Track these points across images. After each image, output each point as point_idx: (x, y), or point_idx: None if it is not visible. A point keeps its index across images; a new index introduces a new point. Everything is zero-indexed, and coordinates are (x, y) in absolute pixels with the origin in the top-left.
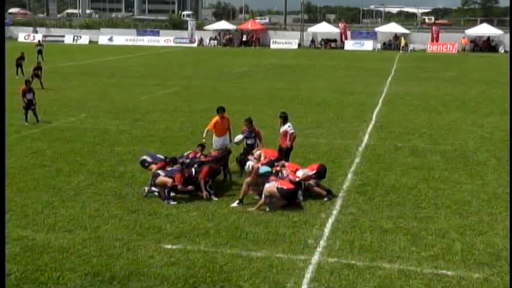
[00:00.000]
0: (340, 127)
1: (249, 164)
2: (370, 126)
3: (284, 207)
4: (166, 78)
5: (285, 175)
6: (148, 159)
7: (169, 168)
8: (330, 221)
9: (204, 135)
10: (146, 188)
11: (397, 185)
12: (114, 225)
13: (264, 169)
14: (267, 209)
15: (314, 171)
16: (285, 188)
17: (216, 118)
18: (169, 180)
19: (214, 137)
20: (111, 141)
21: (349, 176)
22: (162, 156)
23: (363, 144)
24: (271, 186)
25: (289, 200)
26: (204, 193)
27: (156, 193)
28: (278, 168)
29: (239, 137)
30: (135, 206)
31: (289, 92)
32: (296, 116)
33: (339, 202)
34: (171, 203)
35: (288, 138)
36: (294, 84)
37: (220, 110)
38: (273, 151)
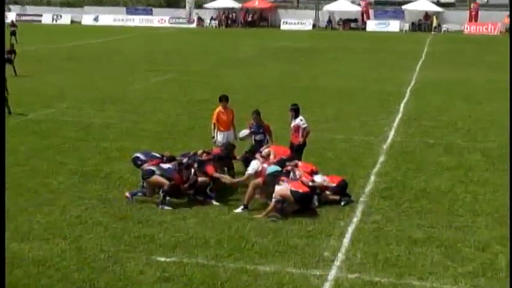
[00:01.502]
0: (361, 120)
1: (256, 163)
2: (397, 119)
3: (296, 214)
4: (161, 64)
5: (297, 176)
6: (142, 157)
7: (164, 166)
8: (350, 230)
9: (213, 134)
10: (128, 194)
11: (428, 188)
12: (98, 234)
13: (272, 168)
14: (277, 216)
15: (334, 185)
16: (300, 191)
17: (219, 109)
18: (165, 182)
19: (218, 131)
20: (96, 136)
21: (372, 177)
22: (158, 155)
23: (388, 140)
24: (283, 188)
25: (303, 205)
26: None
27: (141, 193)
28: (289, 168)
29: (245, 132)
30: (123, 211)
31: (303, 80)
32: (310, 107)
33: (360, 208)
34: (166, 208)
35: (300, 133)
36: (308, 70)
37: (223, 99)
38: (284, 148)
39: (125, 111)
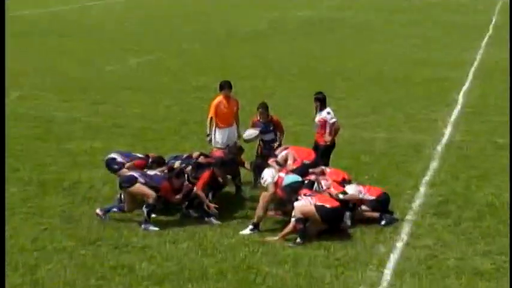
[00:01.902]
0: (408, 114)
1: (270, 172)
2: (455, 112)
3: (322, 236)
4: (144, 40)
5: (324, 187)
6: (120, 158)
7: (151, 172)
8: (393, 258)
9: (208, 130)
10: (99, 211)
11: (497, 202)
12: (61, 263)
13: (291, 178)
14: (298, 240)
15: (372, 198)
16: (327, 205)
17: (219, 99)
18: (151, 194)
19: (216, 128)
20: (59, 134)
21: (423, 189)
22: (141, 156)
23: (444, 140)
24: (305, 204)
25: (331, 224)
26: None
27: (117, 209)
28: (313, 177)
29: (252, 133)
30: (94, 233)
31: (330, 62)
32: (339, 97)
33: (406, 229)
34: (151, 228)
35: (327, 130)
36: (336, 49)
37: (226, 87)
38: (307, 150)
39: (96, 102)
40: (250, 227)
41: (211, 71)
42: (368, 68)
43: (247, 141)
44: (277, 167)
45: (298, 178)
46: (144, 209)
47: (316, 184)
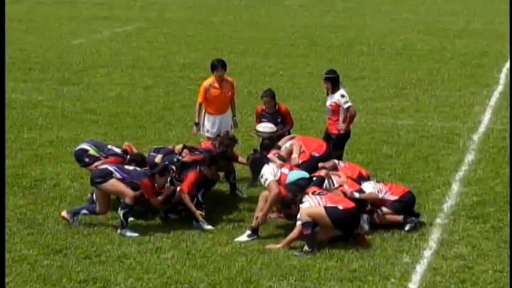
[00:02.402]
0: (438, 97)
1: (270, 169)
2: (496, 95)
3: (334, 244)
4: (120, 5)
5: (335, 184)
6: (92, 150)
7: (129, 167)
8: (420, 269)
9: (196, 117)
10: (65, 214)
11: None
12: (21, 276)
13: (295, 175)
14: (306, 248)
15: (395, 198)
16: (340, 207)
17: (210, 81)
18: (128, 192)
19: (205, 115)
20: (18, 122)
21: (456, 186)
22: (117, 150)
23: (482, 128)
24: (313, 205)
25: (345, 229)
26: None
27: (87, 211)
28: (324, 173)
29: (269, 127)
30: (60, 240)
31: (344, 33)
32: (357, 76)
33: (435, 235)
34: (128, 234)
35: (340, 117)
36: (352, 17)
37: (219, 67)
38: (317, 141)
39: (62, 83)
40: (248, 232)
41: (201, 45)
42: (391, 41)
43: (260, 135)
44: (278, 161)
45: (305, 174)
46: (120, 211)
47: (326, 181)
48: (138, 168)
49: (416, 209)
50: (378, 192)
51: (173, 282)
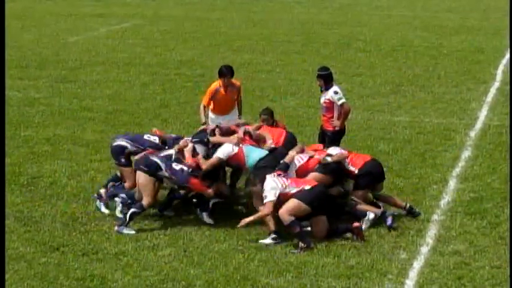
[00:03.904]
0: (435, 93)
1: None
2: (492, 91)
3: (330, 240)
4: (116, 3)
5: (305, 158)
6: (130, 146)
7: (177, 166)
8: (417, 266)
9: (203, 118)
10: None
11: None
12: (19, 273)
13: (254, 153)
14: (301, 244)
15: (357, 168)
16: (306, 187)
17: (216, 86)
18: (151, 198)
19: (210, 114)
20: (14, 119)
21: (453, 183)
22: (154, 140)
23: (478, 124)
24: (290, 203)
25: (321, 207)
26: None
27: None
28: (288, 159)
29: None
30: (58, 238)
31: (341, 30)
32: (354, 73)
33: (432, 231)
34: (125, 231)
35: (334, 113)
36: (348, 14)
37: (227, 74)
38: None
39: (58, 80)
40: (273, 235)
41: (197, 42)
42: (387, 38)
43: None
44: (234, 139)
45: (262, 151)
46: (131, 209)
47: (295, 160)
48: (185, 168)
49: (413, 205)
50: (342, 156)
51: (170, 279)
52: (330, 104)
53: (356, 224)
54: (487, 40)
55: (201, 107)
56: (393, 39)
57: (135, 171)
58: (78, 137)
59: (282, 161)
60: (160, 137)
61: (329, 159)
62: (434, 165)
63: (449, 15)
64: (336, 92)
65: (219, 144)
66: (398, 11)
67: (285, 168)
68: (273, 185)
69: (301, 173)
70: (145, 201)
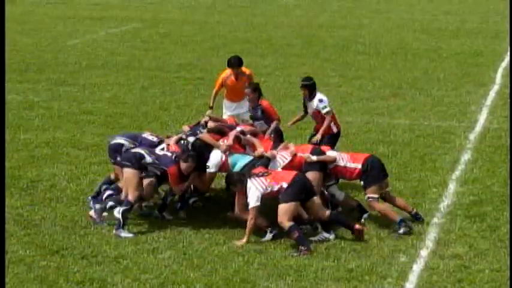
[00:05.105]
0: (434, 96)
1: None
2: (492, 94)
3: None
4: (115, 6)
5: (287, 157)
6: (127, 143)
7: (160, 152)
8: (417, 269)
9: (211, 102)
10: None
11: None
12: (18, 277)
13: (240, 162)
14: (301, 247)
15: (360, 164)
16: (284, 185)
17: (228, 73)
18: (136, 192)
19: (225, 101)
20: (14, 123)
21: (452, 186)
22: (151, 137)
23: (478, 127)
24: (284, 206)
25: (307, 196)
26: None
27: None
28: (269, 154)
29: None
30: (58, 241)
31: (340, 33)
32: (354, 76)
33: (432, 234)
34: (124, 235)
35: (325, 123)
36: (347, 17)
37: (234, 64)
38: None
39: (58, 83)
40: (270, 230)
41: (196, 45)
42: (386, 40)
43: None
44: (224, 145)
45: (246, 158)
46: (120, 209)
47: (278, 158)
48: (168, 154)
49: (413, 208)
50: (340, 159)
51: (170, 282)
52: (318, 113)
53: (358, 227)
54: (487, 43)
55: (213, 91)
56: (392, 42)
57: (121, 169)
58: (78, 140)
59: (264, 158)
60: (162, 140)
61: (314, 158)
62: (434, 168)
63: (449, 18)
64: (320, 100)
65: (206, 145)
66: (397, 14)
67: (266, 164)
68: (253, 190)
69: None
70: (131, 196)
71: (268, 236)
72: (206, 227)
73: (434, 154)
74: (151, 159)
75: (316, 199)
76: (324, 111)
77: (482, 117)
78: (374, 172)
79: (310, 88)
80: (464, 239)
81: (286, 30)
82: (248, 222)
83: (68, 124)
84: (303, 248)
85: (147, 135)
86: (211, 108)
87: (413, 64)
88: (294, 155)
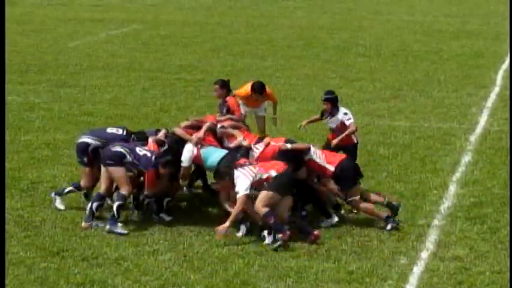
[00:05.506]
0: (434, 98)
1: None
2: (492, 96)
3: (331, 246)
4: (116, 7)
5: (262, 145)
6: (93, 141)
7: (141, 152)
8: (417, 271)
9: None
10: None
11: None
12: (18, 278)
13: (213, 156)
14: (278, 236)
15: (332, 169)
16: (273, 173)
17: (248, 92)
18: (128, 186)
19: (240, 103)
20: (14, 124)
21: (453, 188)
22: (117, 132)
23: (478, 129)
24: (262, 194)
25: (289, 191)
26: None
27: (71, 187)
28: (246, 143)
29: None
30: (58, 243)
31: (341, 34)
32: (354, 78)
33: (433, 236)
34: (118, 230)
35: (346, 133)
36: (348, 19)
37: (257, 91)
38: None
39: (58, 85)
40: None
41: (197, 46)
42: (387, 42)
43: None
44: (195, 138)
45: (221, 152)
46: (115, 203)
47: (253, 151)
48: (148, 154)
49: (413, 210)
50: (315, 154)
51: (170, 284)
52: (344, 126)
53: (316, 233)
54: (487, 45)
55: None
56: (393, 44)
57: (99, 168)
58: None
59: (241, 149)
60: (130, 133)
61: (289, 145)
62: (434, 170)
63: (449, 20)
64: (345, 113)
65: (181, 140)
66: (398, 16)
67: (246, 154)
68: (242, 178)
69: (261, 161)
70: (124, 191)
71: (265, 233)
72: (206, 229)
73: (435, 156)
74: (131, 159)
75: (288, 200)
76: (348, 122)
77: (483, 119)
78: (348, 175)
79: (333, 101)
80: (465, 241)
81: (286, 31)
82: (235, 209)
83: (69, 125)
84: (280, 235)
85: (112, 130)
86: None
87: (414, 66)
88: (268, 144)
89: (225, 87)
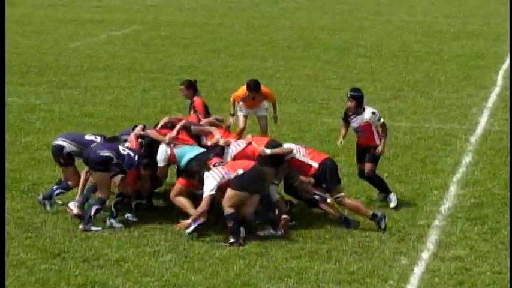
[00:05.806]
0: (435, 98)
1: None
2: (493, 96)
3: (331, 246)
4: (116, 8)
5: (241, 145)
6: (69, 147)
7: (125, 152)
8: (418, 271)
9: (232, 110)
10: (41, 197)
11: None
12: (19, 280)
13: (187, 155)
14: (231, 239)
15: (318, 163)
16: (240, 171)
17: (245, 92)
18: (107, 192)
19: (241, 103)
20: (15, 125)
21: (453, 188)
22: (95, 139)
23: (479, 130)
24: (228, 193)
25: (257, 189)
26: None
27: (60, 189)
28: (222, 142)
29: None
30: (59, 244)
31: (341, 35)
32: (355, 78)
33: (433, 237)
34: (93, 229)
35: (373, 133)
36: (348, 20)
37: (253, 89)
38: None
39: (59, 86)
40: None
41: (198, 47)
42: (388, 43)
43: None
44: (166, 138)
45: (196, 149)
46: (94, 207)
47: (232, 147)
48: (131, 154)
49: (414, 211)
50: (297, 152)
51: (171, 285)
52: (368, 126)
53: (284, 217)
54: (488, 45)
55: (232, 99)
56: (393, 44)
57: (88, 172)
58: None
59: (217, 146)
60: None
61: (268, 151)
62: (435, 171)
63: (450, 21)
64: (373, 113)
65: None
66: (398, 17)
67: (221, 152)
68: (210, 179)
69: (239, 159)
70: (104, 195)
71: (192, 227)
72: (207, 230)
73: (435, 156)
74: (117, 160)
75: (255, 198)
76: (379, 122)
77: (483, 120)
78: (331, 175)
79: (358, 100)
80: (465, 241)
81: (287, 32)
82: (199, 207)
83: (69, 127)
84: (232, 239)
85: (90, 137)
86: (232, 115)
87: (415, 67)
88: (249, 144)
89: (192, 87)
